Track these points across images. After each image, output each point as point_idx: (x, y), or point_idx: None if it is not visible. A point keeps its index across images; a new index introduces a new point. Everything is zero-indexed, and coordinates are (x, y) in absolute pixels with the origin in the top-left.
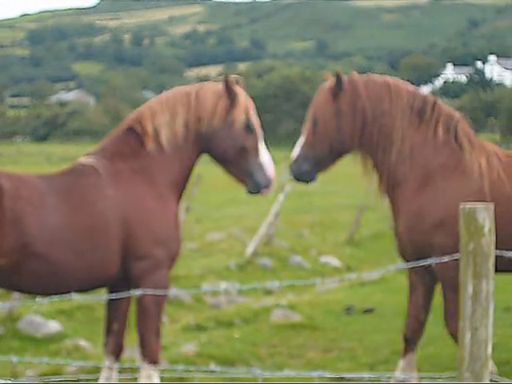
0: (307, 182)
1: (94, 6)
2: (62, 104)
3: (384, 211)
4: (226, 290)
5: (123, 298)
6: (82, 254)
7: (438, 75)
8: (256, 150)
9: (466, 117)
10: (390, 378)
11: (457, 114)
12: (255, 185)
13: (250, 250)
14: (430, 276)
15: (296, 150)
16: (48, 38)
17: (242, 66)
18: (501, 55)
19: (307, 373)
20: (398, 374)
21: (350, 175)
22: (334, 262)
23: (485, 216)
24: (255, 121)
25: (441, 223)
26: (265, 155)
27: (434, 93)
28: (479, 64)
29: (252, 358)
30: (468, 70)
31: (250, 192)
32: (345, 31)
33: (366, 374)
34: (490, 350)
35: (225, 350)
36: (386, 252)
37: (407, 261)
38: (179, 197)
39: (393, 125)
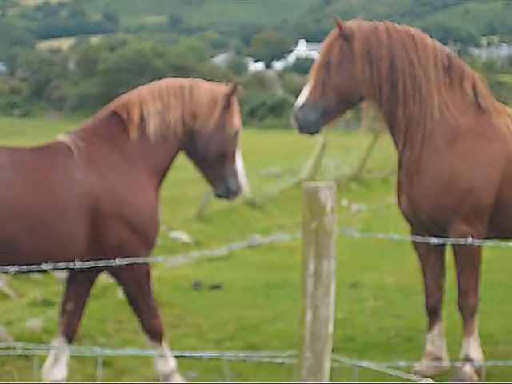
0: (312, 133)
1: None
2: None
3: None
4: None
5: (83, 280)
6: (34, 232)
7: (291, 51)
8: (233, 156)
9: None
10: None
11: (475, 74)
12: (226, 190)
13: None
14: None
15: (302, 97)
16: None
17: (94, 40)
18: None
19: (147, 351)
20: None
21: None
22: (184, 237)
23: (327, 195)
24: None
25: (472, 189)
26: (240, 163)
27: (286, 69)
28: None
29: (99, 335)
30: (320, 46)
31: (218, 195)
32: (198, 6)
33: (208, 353)
34: (330, 328)
35: None
36: (236, 227)
37: (416, 225)
38: (159, 185)
39: (426, 77)
